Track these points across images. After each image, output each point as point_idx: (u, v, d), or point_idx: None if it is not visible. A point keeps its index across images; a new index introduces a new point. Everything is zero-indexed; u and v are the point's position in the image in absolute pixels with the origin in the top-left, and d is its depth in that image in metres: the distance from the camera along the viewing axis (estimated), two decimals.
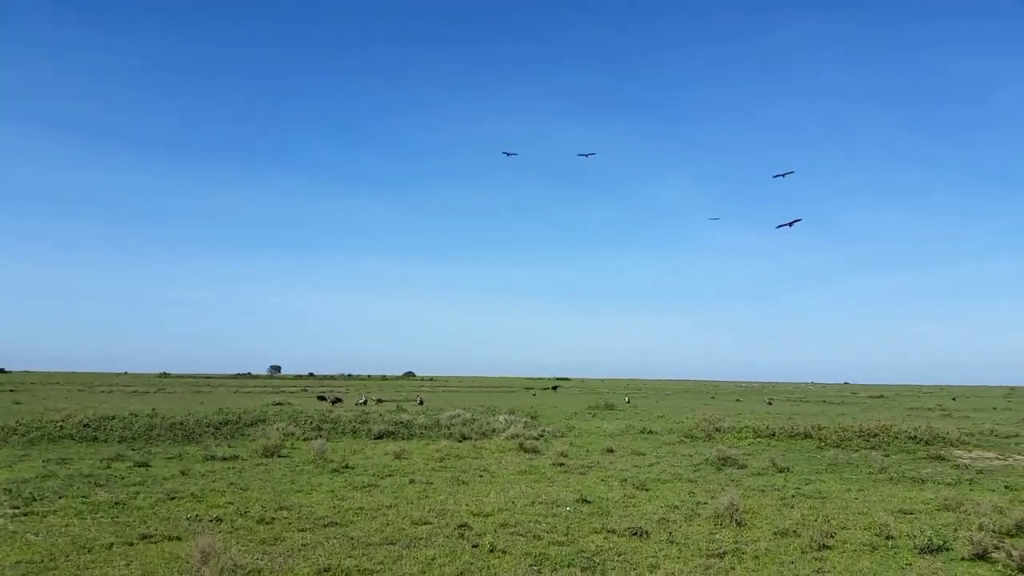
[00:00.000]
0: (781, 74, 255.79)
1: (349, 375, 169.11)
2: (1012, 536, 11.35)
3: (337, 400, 46.15)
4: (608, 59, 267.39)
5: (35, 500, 13.42)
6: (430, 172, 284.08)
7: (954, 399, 78.57)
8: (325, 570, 9.35)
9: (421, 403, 49.00)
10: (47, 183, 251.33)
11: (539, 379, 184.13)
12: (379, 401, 48.56)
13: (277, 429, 24.76)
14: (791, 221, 33.22)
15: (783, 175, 33.38)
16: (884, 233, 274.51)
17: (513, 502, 13.91)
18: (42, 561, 9.66)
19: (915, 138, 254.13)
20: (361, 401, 47.49)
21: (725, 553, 10.40)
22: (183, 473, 16.96)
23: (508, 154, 37.88)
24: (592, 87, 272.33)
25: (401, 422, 28.58)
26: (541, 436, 25.94)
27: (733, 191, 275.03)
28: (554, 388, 60.53)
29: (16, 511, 12.53)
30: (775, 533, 11.58)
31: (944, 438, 24.67)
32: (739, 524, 12.13)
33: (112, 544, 10.45)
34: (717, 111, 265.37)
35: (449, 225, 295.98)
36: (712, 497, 14.40)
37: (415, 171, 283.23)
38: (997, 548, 10.34)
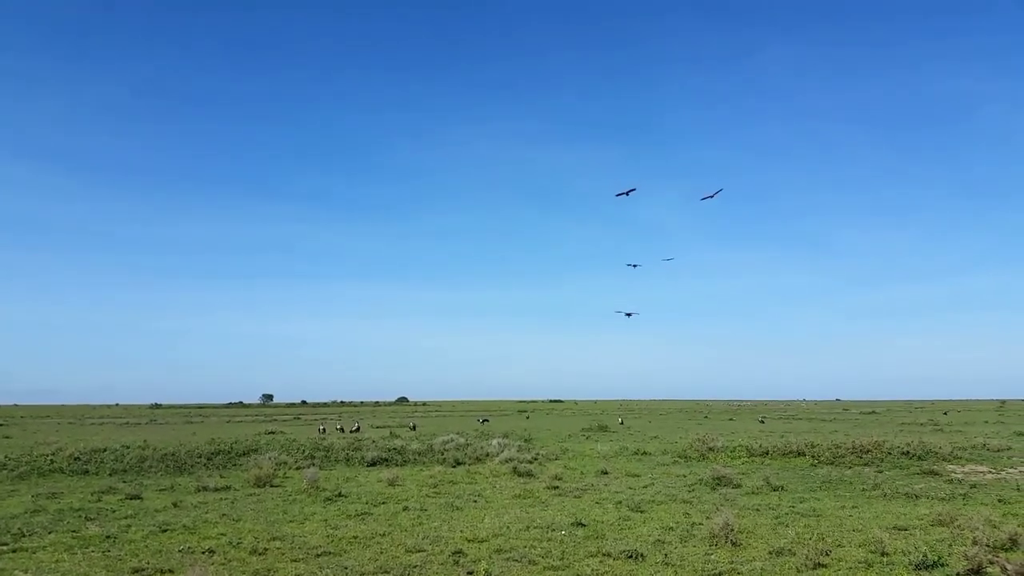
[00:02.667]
0: (767, 94, 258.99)
1: (342, 402, 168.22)
2: (1006, 550, 11.36)
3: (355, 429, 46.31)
4: (594, 81, 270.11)
5: (24, 536, 13.26)
6: (418, 196, 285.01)
7: (945, 413, 78.73)
8: None
9: (414, 428, 48.77)
10: (34, 214, 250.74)
11: (533, 401, 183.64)
12: (341, 430, 47.49)
13: (269, 458, 24.58)
14: (628, 312, 39.47)
15: (712, 195, 33.87)
16: (871, 249, 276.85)
17: (508, 527, 13.84)
18: None
19: (900, 156, 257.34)
20: (354, 428, 47.17)
21: (721, 574, 10.39)
22: (175, 505, 16.80)
23: (625, 194, 33.55)
24: (578, 109, 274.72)
25: (394, 448, 28.43)
26: (535, 459, 25.85)
27: (720, 210, 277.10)
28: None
29: (5, 547, 12.38)
30: (770, 552, 11.57)
31: (936, 453, 24.72)
32: (734, 544, 12.11)
33: None
34: (703, 131, 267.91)
35: (438, 249, 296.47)
36: (707, 517, 14.38)
37: (403, 196, 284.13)
38: (992, 563, 10.35)
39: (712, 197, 32.79)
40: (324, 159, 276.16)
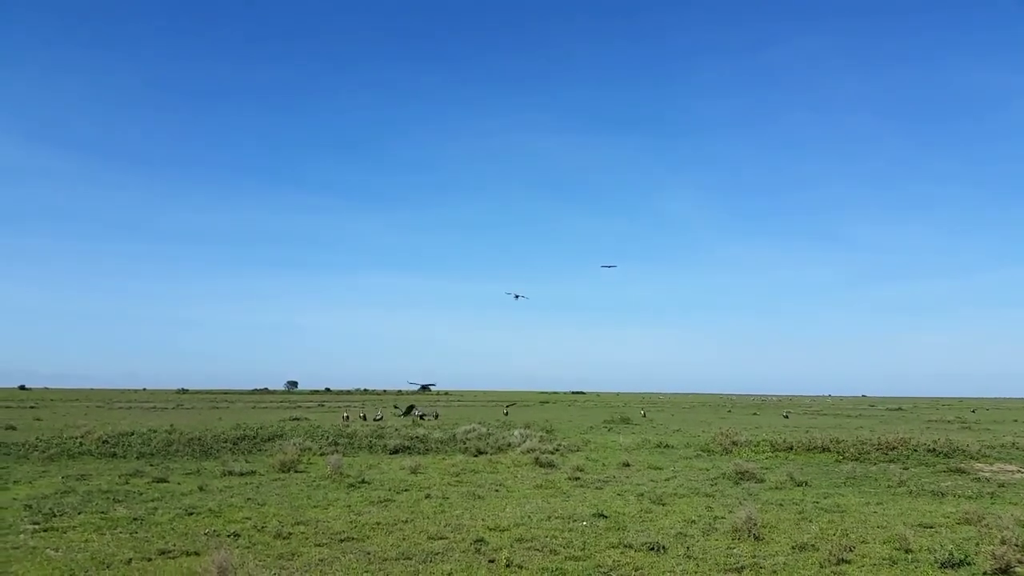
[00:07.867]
0: (788, 87, 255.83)
1: (365, 390, 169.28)
2: None
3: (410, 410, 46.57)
4: (613, 73, 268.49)
5: (55, 516, 13.53)
6: (441, 188, 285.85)
7: (973, 411, 77.60)
8: None
9: (436, 417, 49.00)
10: (66, 203, 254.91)
11: (555, 393, 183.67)
12: (364, 418, 47.63)
13: (294, 444, 24.82)
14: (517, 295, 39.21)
15: (609, 266, 34.91)
16: (898, 244, 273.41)
17: (529, 517, 13.88)
18: None
19: (926, 150, 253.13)
20: (377, 416, 47.51)
21: (743, 568, 10.33)
22: (201, 488, 17.04)
23: (607, 267, 36.70)
24: (597, 101, 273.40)
25: (417, 437, 28.57)
26: (557, 450, 25.85)
27: (742, 204, 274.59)
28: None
29: (36, 527, 12.66)
30: (793, 547, 11.48)
31: (964, 451, 24.35)
32: (757, 539, 12.04)
33: (131, 560, 10.53)
34: (723, 124, 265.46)
35: (463, 240, 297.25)
36: (730, 511, 14.31)
37: (426, 187, 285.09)
38: (1020, 562, 10.20)
39: (610, 267, 34.13)
40: (345, 150, 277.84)
